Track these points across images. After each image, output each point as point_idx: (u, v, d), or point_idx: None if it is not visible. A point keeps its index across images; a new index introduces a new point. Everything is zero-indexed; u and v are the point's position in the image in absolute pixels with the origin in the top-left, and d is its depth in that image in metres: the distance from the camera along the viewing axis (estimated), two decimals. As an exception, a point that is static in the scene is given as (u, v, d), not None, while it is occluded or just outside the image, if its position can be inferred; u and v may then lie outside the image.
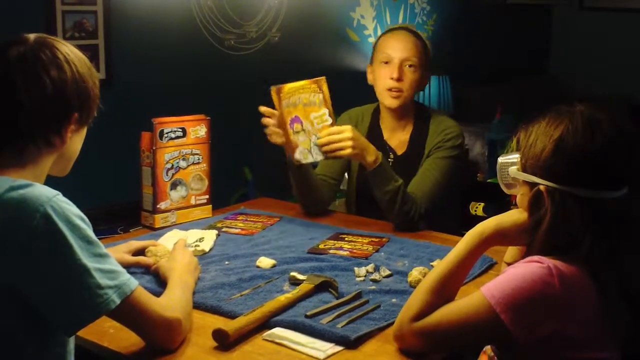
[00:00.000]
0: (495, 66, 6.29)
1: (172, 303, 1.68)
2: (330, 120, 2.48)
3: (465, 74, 5.83)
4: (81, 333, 1.57)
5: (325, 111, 2.48)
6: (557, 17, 7.09)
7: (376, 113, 2.87)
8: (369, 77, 2.83)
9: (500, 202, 3.49)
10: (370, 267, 2.11)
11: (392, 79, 2.69)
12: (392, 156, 2.80)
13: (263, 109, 2.51)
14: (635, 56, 6.46)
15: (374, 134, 2.83)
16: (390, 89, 2.71)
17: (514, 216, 1.64)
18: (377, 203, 2.58)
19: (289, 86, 2.46)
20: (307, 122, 2.48)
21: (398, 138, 2.82)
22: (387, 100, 2.74)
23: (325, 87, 2.46)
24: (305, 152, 2.50)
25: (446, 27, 5.84)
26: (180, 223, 2.56)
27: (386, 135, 2.84)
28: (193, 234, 2.37)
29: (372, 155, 2.50)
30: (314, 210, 2.72)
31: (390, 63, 2.72)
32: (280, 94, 2.46)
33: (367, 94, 2.89)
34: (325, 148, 2.46)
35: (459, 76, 5.65)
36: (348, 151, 2.46)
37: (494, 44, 6.31)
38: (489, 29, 6.26)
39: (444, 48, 5.73)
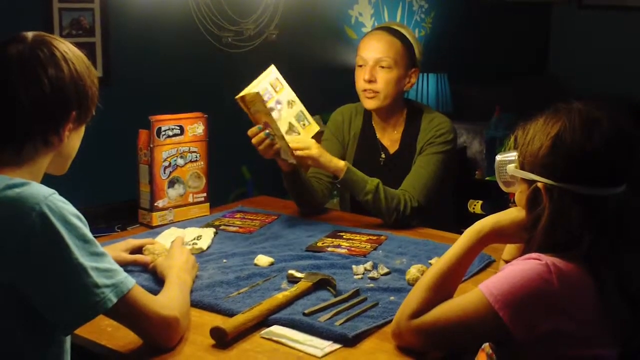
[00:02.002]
0: (493, 64, 6.29)
1: (169, 301, 1.67)
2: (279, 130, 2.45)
3: (463, 72, 5.83)
4: (79, 331, 1.57)
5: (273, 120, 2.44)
6: (556, 15, 7.09)
7: (368, 112, 2.86)
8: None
9: (498, 200, 3.50)
10: (368, 265, 2.11)
11: (364, 80, 2.70)
12: (384, 155, 2.81)
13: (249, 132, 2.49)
14: (634, 54, 6.46)
15: (367, 133, 2.83)
16: (364, 90, 2.72)
17: (512, 214, 1.64)
18: None
19: (249, 96, 2.42)
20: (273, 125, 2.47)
21: (390, 136, 2.82)
22: (364, 101, 2.75)
23: (250, 106, 2.43)
24: (286, 154, 2.51)
25: (444, 25, 5.84)
26: (178, 221, 2.56)
27: (378, 134, 2.83)
28: (191, 232, 2.36)
29: (334, 167, 2.54)
30: (310, 211, 2.72)
31: (364, 65, 2.72)
32: (245, 102, 2.43)
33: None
34: (297, 153, 2.47)
35: (457, 74, 5.65)
36: (312, 164, 2.54)
37: (493, 42, 6.31)
38: (487, 27, 6.26)
39: (442, 46, 5.73)
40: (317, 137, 2.61)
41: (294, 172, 2.59)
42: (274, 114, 2.45)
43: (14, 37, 1.56)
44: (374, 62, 2.70)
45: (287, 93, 2.54)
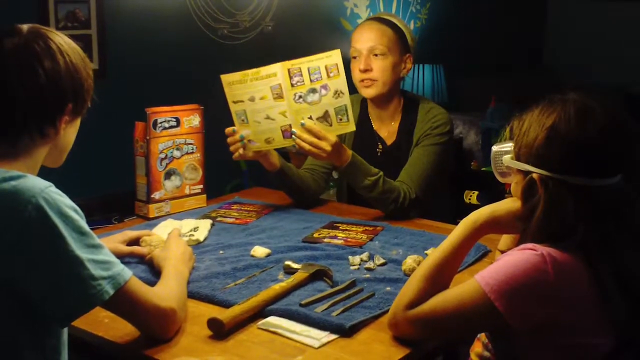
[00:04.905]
0: (489, 55, 6.29)
1: (166, 293, 1.68)
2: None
3: (459, 63, 5.83)
4: (76, 323, 1.58)
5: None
6: (552, 6, 7.08)
7: (364, 103, 2.87)
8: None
9: (494, 191, 3.50)
10: (364, 256, 2.11)
11: (360, 71, 2.71)
12: (381, 147, 2.81)
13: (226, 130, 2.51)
14: (630, 45, 6.46)
15: (363, 125, 2.83)
16: (362, 81, 2.72)
17: (508, 204, 1.64)
18: None
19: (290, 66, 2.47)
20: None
21: (387, 128, 2.83)
22: (362, 91, 2.76)
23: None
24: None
25: (440, 16, 5.84)
26: (175, 213, 2.56)
27: (375, 125, 2.84)
28: (187, 224, 2.37)
29: (341, 157, 2.49)
30: (305, 203, 2.72)
31: (359, 56, 2.73)
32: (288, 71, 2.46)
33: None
34: (299, 142, 2.45)
35: (453, 65, 5.65)
36: (316, 158, 2.51)
37: (488, 32, 6.30)
38: (483, 18, 6.26)
39: (438, 37, 5.73)
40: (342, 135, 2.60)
41: (280, 171, 2.60)
42: (314, 97, 2.45)
43: (9, 29, 1.56)
44: (367, 52, 2.71)
45: (340, 82, 2.45)
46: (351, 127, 2.51)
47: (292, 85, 2.44)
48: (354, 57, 2.74)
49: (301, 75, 2.44)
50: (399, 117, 2.81)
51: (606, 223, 1.50)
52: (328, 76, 2.44)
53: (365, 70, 2.70)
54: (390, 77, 2.73)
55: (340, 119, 2.48)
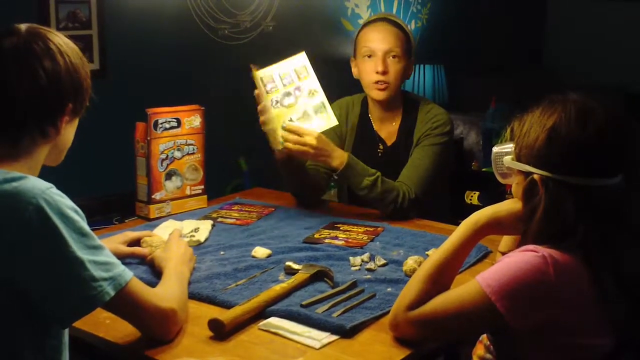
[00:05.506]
0: (489, 55, 6.28)
1: (167, 293, 1.68)
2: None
3: (459, 63, 5.83)
4: (77, 324, 1.58)
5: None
6: (552, 6, 7.08)
7: (365, 103, 2.87)
8: (354, 71, 2.83)
9: (495, 191, 3.50)
10: (365, 257, 2.11)
11: (377, 72, 2.69)
12: (382, 147, 2.81)
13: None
14: (630, 45, 6.46)
15: (364, 125, 2.84)
16: (376, 82, 2.71)
17: (509, 205, 1.65)
18: None
19: (256, 73, 2.45)
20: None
21: (387, 128, 2.83)
22: (374, 93, 2.74)
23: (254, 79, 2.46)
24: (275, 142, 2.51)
25: (440, 17, 5.83)
26: (175, 213, 2.56)
27: (376, 126, 2.84)
28: (188, 225, 2.37)
29: (336, 160, 2.49)
30: (307, 200, 2.72)
31: (373, 56, 2.71)
32: (254, 77, 2.46)
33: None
34: (286, 144, 2.45)
35: (454, 65, 5.64)
36: (307, 157, 2.49)
37: (489, 32, 6.30)
38: (483, 18, 6.25)
39: (439, 37, 5.73)
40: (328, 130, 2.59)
41: (289, 159, 2.58)
42: (290, 100, 2.47)
43: (8, 29, 1.56)
44: (383, 53, 2.70)
45: (311, 82, 2.51)
46: (333, 121, 2.54)
47: (267, 92, 2.45)
48: (369, 56, 2.73)
49: (274, 81, 2.47)
50: (399, 117, 2.81)
51: (606, 223, 1.50)
52: (299, 78, 2.50)
53: (384, 73, 2.69)
54: (401, 81, 2.76)
55: (321, 117, 2.51)
